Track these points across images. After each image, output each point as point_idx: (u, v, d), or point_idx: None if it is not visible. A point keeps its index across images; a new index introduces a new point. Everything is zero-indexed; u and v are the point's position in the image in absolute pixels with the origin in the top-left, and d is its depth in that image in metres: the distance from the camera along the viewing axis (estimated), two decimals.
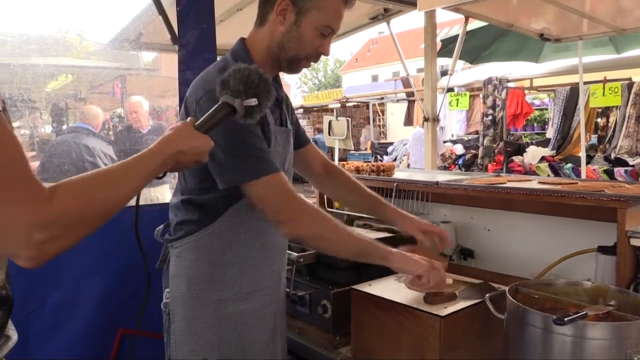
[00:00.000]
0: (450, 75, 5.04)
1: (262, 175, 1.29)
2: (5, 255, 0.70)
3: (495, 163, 7.21)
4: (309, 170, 1.77)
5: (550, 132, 7.63)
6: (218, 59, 1.75)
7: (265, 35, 1.42)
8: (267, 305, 1.49)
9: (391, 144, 11.15)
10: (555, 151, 6.97)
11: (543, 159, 6.77)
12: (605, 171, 6.06)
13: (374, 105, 13.32)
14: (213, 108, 1.14)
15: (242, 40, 1.47)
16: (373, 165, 2.47)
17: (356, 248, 1.40)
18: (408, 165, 8.33)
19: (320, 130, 12.42)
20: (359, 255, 1.42)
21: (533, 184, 2.01)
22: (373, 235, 1.91)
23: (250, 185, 1.30)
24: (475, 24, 5.95)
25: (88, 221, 0.79)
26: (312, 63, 1.48)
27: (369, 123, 13.38)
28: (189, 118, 1.13)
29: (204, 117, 1.12)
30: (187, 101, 1.38)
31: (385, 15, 4.25)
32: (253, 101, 1.15)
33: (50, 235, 0.69)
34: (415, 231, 1.65)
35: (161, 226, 1.57)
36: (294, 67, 1.45)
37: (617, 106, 6.32)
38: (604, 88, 5.70)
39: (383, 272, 1.61)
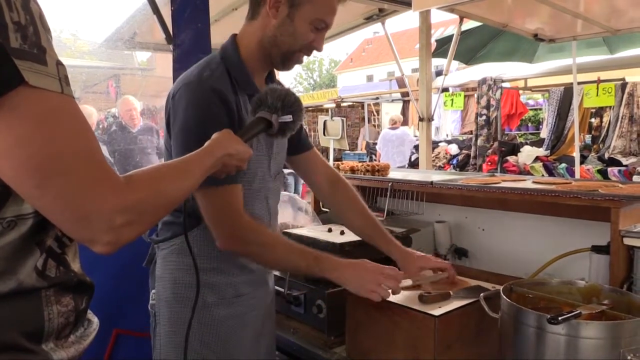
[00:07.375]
0: (445, 75, 5.05)
1: (213, 185, 1.20)
2: (83, 241, 0.72)
3: (489, 163, 7.23)
4: (312, 181, 1.70)
5: (544, 132, 7.67)
6: None
7: (257, 30, 1.37)
8: (252, 310, 1.47)
9: None
10: (549, 151, 7.00)
11: (537, 158, 6.79)
12: (599, 171, 6.09)
13: (369, 105, 13.30)
14: (250, 121, 1.22)
15: (234, 36, 1.43)
16: (368, 165, 2.47)
17: (292, 267, 1.42)
18: None
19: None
20: (296, 272, 1.47)
21: (527, 183, 2.01)
22: None
23: (198, 192, 1.26)
24: (470, 24, 5.96)
25: (158, 210, 0.85)
26: (305, 58, 1.43)
27: (368, 122, 13.18)
28: (225, 129, 1.15)
29: (242, 129, 1.20)
30: (168, 97, 1.37)
31: (380, 15, 4.27)
32: (288, 117, 1.23)
33: (128, 220, 0.73)
34: (417, 272, 1.57)
35: None
36: (287, 62, 1.40)
37: (610, 106, 6.35)
38: (597, 88, 5.71)
39: None
